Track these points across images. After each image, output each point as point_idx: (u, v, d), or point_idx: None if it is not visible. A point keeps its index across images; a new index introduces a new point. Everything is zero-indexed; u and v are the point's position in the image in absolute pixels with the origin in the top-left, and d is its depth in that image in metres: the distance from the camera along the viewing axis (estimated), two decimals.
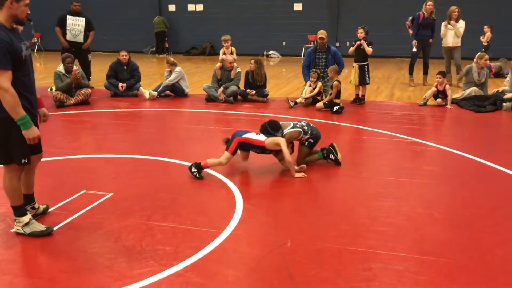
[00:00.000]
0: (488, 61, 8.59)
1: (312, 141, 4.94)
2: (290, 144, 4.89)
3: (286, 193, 4.34)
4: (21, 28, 3.26)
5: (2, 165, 3.33)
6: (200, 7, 17.97)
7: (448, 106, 8.02)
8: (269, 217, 3.83)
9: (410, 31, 10.44)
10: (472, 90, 8.25)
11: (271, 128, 4.78)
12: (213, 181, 4.57)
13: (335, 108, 7.57)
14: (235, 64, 8.86)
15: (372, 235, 3.45)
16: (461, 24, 9.88)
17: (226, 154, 4.68)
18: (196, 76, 12.01)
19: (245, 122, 7.19)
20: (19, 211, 3.39)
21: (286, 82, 11.30)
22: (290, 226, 3.63)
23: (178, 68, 9.10)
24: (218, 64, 8.89)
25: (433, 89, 8.20)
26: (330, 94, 7.76)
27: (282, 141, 4.63)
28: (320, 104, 7.86)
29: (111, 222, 3.65)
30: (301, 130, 4.89)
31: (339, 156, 5.03)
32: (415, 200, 4.13)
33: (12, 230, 3.47)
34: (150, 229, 3.54)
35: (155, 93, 8.90)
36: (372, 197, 4.20)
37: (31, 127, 3.15)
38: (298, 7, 16.96)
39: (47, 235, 3.41)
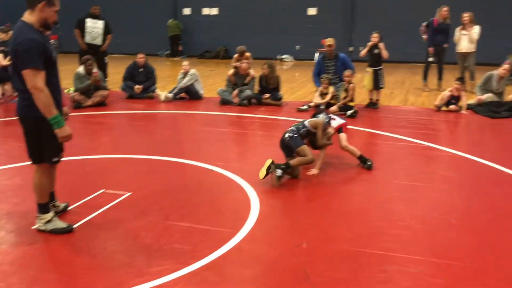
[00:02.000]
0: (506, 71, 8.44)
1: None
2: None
3: (301, 196, 4.38)
4: (47, 32, 3.34)
5: (33, 164, 3.43)
6: (214, 11, 18.10)
7: (463, 111, 7.99)
8: (284, 218, 3.87)
9: (425, 36, 10.41)
10: (489, 97, 8.20)
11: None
12: (229, 183, 4.63)
13: (349, 112, 7.59)
14: (251, 70, 8.91)
15: (387, 238, 3.48)
16: (476, 29, 9.81)
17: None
18: (210, 79, 12.10)
19: (259, 125, 7.24)
20: (44, 208, 3.48)
21: (300, 86, 11.34)
22: (306, 228, 3.66)
23: (192, 71, 9.19)
24: (232, 71, 8.95)
25: (448, 93, 8.17)
26: (344, 98, 7.78)
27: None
28: (334, 108, 7.86)
29: (130, 220, 3.72)
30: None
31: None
32: (430, 205, 4.14)
33: (34, 227, 3.56)
34: (168, 228, 3.60)
35: (171, 95, 8.99)
36: (387, 201, 4.22)
37: (64, 126, 3.24)
38: (312, 11, 17.00)
39: (67, 232, 3.49)
